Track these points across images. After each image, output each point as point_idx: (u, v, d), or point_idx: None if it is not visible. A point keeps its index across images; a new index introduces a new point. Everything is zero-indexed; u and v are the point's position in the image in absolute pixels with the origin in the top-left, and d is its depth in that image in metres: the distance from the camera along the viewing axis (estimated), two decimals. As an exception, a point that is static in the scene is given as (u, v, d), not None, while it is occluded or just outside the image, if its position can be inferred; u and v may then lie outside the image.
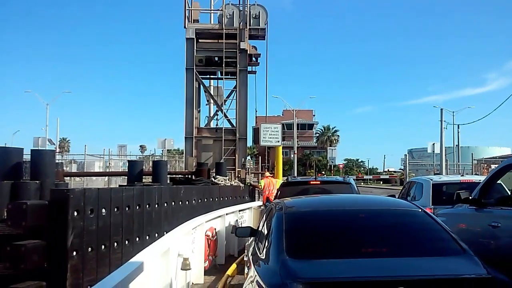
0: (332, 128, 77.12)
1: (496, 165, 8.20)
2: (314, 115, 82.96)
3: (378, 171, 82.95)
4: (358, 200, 5.84)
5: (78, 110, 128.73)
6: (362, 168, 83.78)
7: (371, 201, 5.87)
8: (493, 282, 3.28)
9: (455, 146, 48.90)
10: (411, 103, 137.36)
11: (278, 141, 21.06)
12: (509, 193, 6.97)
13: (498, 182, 7.42)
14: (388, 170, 79.23)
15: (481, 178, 8.23)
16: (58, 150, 51.37)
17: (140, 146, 77.28)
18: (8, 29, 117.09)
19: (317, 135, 78.60)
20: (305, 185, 9.77)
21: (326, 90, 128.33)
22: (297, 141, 55.11)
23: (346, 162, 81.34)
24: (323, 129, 77.90)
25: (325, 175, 33.06)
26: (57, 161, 21.86)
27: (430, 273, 3.38)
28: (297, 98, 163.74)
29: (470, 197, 5.96)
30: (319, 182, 9.81)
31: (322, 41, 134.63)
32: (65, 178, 22.08)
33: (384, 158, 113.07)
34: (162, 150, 36.24)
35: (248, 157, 21.41)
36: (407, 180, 12.47)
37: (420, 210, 4.60)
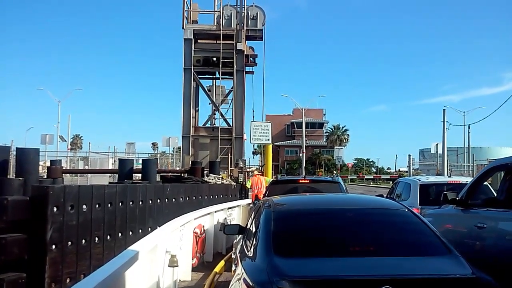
0: (342, 127, 76.28)
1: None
2: (324, 114, 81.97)
3: (390, 170, 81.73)
4: (346, 200, 5.83)
5: (93, 107, 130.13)
6: (372, 168, 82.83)
7: (359, 200, 5.86)
8: (478, 282, 3.28)
9: (465, 146, 48.62)
10: (425, 102, 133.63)
11: (268, 139, 21.02)
12: (495, 194, 6.96)
13: (485, 183, 7.42)
14: (399, 170, 78.34)
15: (468, 179, 8.23)
16: (69, 146, 51.46)
17: (152, 143, 77.45)
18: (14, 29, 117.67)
19: (327, 134, 77.39)
20: (294, 183, 9.76)
21: (338, 89, 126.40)
22: (307, 140, 54.85)
23: (356, 161, 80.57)
24: (333, 128, 76.88)
25: (336, 175, 32.86)
26: (56, 159, 21.97)
27: (416, 273, 3.39)
28: (309, 97, 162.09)
29: (457, 198, 5.96)
30: (308, 181, 9.80)
31: (335, 40, 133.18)
32: (67, 174, 22.18)
33: (396, 157, 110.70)
34: (173, 148, 36.26)
35: (245, 157, 21.42)
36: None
37: (407, 210, 4.60)
